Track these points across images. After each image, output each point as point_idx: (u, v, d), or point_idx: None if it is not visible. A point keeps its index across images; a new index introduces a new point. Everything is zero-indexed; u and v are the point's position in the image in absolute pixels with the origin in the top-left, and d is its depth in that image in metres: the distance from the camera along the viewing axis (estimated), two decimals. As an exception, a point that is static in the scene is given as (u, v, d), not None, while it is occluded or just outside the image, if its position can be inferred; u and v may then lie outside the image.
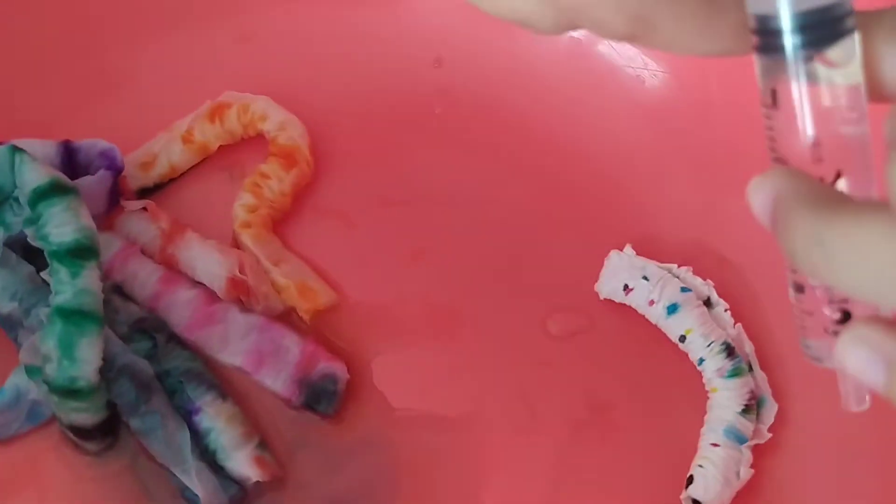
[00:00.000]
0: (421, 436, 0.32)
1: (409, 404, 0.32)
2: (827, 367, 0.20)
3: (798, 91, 0.18)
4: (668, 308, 0.31)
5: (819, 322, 0.19)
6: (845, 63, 0.18)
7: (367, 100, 0.37)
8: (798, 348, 0.32)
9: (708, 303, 0.31)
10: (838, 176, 0.18)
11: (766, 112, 0.19)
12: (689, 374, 0.31)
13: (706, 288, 0.31)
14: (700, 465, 0.29)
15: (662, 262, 0.32)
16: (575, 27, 0.19)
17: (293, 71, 0.37)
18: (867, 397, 0.20)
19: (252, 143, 0.36)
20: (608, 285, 0.32)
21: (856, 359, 0.18)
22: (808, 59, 0.18)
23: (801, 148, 0.18)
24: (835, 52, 0.18)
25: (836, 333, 0.19)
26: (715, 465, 0.29)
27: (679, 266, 0.32)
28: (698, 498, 0.29)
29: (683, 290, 0.31)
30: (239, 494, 0.30)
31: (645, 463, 0.31)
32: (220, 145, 0.35)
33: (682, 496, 0.29)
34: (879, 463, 0.29)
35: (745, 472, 0.29)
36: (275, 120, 0.35)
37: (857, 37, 0.18)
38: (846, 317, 0.19)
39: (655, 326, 0.32)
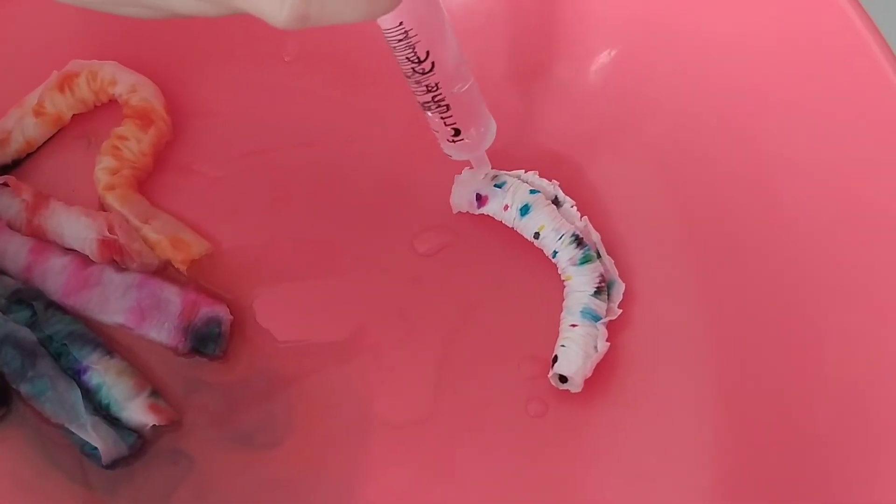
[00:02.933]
0: (309, 364, 0.33)
1: (294, 337, 0.34)
2: (456, 160, 0.33)
3: None
4: (521, 210, 0.33)
5: (444, 135, 0.31)
6: None
7: (216, 55, 0.37)
8: (637, 233, 0.35)
9: (556, 201, 0.34)
10: None
11: None
12: (546, 267, 0.33)
13: (552, 188, 0.34)
14: (562, 345, 0.31)
15: (511, 170, 0.34)
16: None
17: (139, 34, 0.37)
18: (486, 164, 0.33)
19: (106, 109, 0.36)
20: (462, 198, 0.34)
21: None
22: None
23: None
24: None
25: (455, 141, 0.31)
26: (575, 343, 0.31)
27: (526, 171, 0.34)
28: (563, 373, 0.31)
29: (532, 192, 0.33)
30: (138, 442, 0.31)
31: (514, 353, 0.33)
32: (74, 115, 0.36)
33: (549, 375, 0.32)
34: (713, 324, 0.32)
35: (602, 346, 0.31)
36: (125, 83, 0.35)
37: None
38: (457, 132, 0.31)
39: (512, 231, 0.34)
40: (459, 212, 0.35)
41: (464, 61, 0.30)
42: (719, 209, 0.33)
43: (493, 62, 0.36)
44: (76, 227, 0.33)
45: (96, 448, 0.30)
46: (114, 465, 0.31)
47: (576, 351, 0.31)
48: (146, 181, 0.36)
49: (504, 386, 0.33)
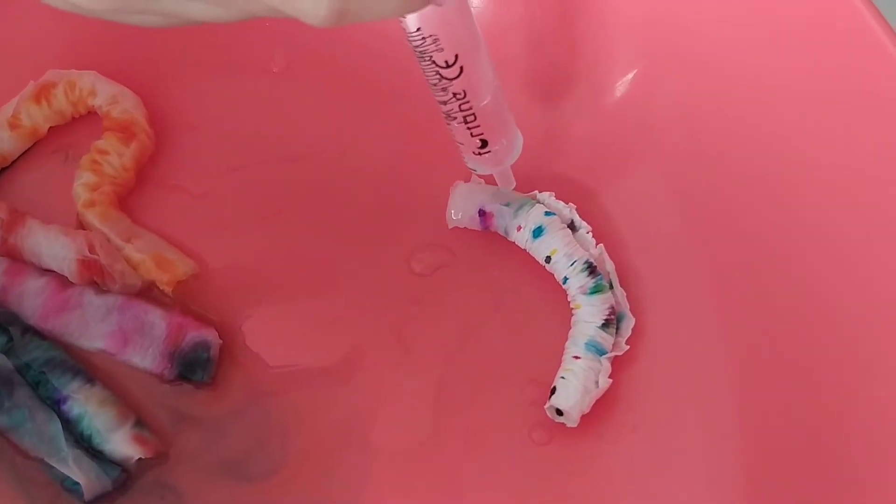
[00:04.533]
0: (303, 388, 0.32)
1: (286, 361, 0.32)
2: (481, 174, 0.32)
3: None
4: (534, 231, 0.31)
5: (469, 147, 0.30)
6: None
7: (200, 65, 0.36)
8: (653, 266, 0.34)
9: (572, 225, 0.32)
10: None
11: None
12: (551, 286, 0.32)
13: (568, 211, 0.32)
14: (563, 377, 0.30)
15: (526, 192, 0.33)
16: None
17: (119, 43, 0.35)
18: (511, 180, 0.32)
19: (85, 121, 0.35)
20: (462, 212, 0.32)
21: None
22: None
23: None
24: None
25: (481, 154, 0.30)
26: (576, 376, 0.30)
27: (541, 192, 0.33)
28: (560, 406, 0.30)
29: (548, 213, 0.32)
30: (122, 476, 0.30)
31: (517, 376, 0.32)
32: (51, 127, 0.34)
33: (545, 406, 0.30)
34: (723, 368, 0.31)
35: (604, 382, 0.30)
36: (105, 94, 0.34)
37: None
38: (484, 143, 0.30)
39: (515, 251, 0.32)
40: (456, 227, 0.33)
41: (492, 68, 0.28)
42: (742, 249, 0.31)
43: (510, 82, 0.34)
44: (54, 247, 0.32)
45: (78, 483, 0.29)
46: (96, 501, 0.29)
47: (575, 385, 0.30)
48: (127, 198, 0.34)
49: (507, 411, 0.31)
